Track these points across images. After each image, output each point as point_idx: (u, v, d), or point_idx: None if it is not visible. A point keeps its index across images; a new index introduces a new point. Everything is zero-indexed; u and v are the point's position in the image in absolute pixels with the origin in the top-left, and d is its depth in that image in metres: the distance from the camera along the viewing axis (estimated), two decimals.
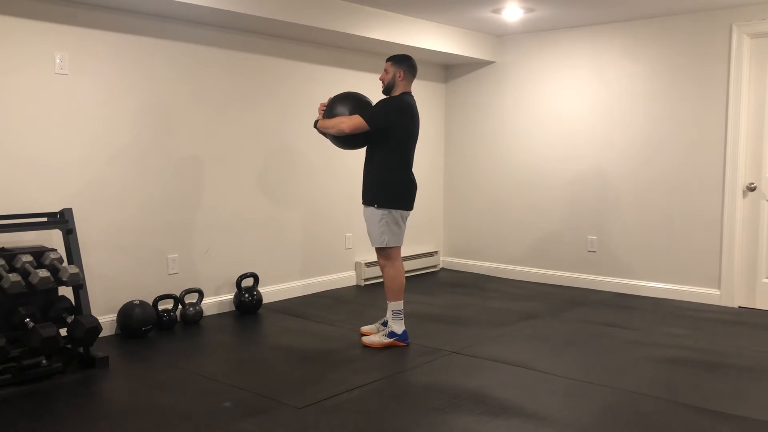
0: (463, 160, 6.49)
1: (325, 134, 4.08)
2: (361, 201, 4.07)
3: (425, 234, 6.43)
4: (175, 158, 4.49)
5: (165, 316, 4.30)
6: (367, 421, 2.88)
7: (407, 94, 3.98)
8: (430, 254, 6.42)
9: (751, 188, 4.97)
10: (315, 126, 4.09)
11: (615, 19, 5.40)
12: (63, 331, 3.57)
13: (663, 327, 4.44)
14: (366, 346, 3.95)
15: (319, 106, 4.16)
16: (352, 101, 4.00)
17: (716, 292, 5.11)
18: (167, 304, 4.41)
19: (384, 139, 3.92)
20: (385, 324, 4.10)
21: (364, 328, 4.22)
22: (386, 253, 3.99)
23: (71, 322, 3.51)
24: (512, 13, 5.15)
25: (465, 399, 3.12)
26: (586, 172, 5.69)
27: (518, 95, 6.06)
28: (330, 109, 4.02)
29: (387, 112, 3.90)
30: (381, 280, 5.55)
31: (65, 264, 3.59)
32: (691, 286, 5.22)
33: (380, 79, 4.05)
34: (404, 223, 4.01)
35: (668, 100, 5.25)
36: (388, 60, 4.02)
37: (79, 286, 3.65)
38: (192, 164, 4.58)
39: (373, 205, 3.95)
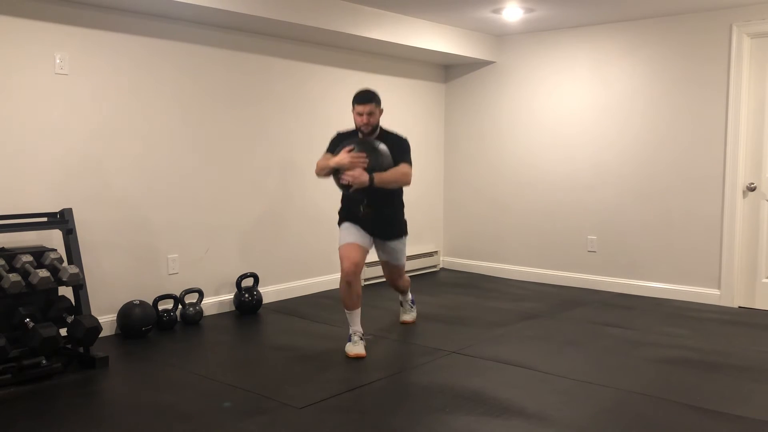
0: (463, 160, 6.49)
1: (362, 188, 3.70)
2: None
3: (425, 234, 6.43)
4: (175, 158, 4.49)
5: (165, 316, 4.30)
6: (367, 421, 2.88)
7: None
8: (430, 254, 6.43)
9: (751, 188, 4.97)
10: (370, 182, 3.65)
11: (615, 19, 5.40)
12: (63, 331, 3.56)
13: (663, 327, 4.44)
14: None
15: (348, 159, 3.65)
16: (378, 148, 3.75)
17: (716, 292, 5.11)
18: (167, 304, 4.41)
19: None
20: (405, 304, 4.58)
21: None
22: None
23: (71, 322, 3.52)
24: (512, 13, 5.15)
25: (465, 399, 3.12)
26: (586, 172, 5.69)
27: (518, 95, 6.06)
28: (377, 159, 3.69)
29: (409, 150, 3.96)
30: (382, 280, 5.63)
31: (65, 264, 3.59)
32: (691, 286, 5.22)
33: (367, 123, 3.76)
34: None
35: (668, 100, 5.25)
36: (369, 102, 3.75)
37: (79, 286, 3.65)
38: (192, 164, 4.58)
39: (404, 236, 4.12)
